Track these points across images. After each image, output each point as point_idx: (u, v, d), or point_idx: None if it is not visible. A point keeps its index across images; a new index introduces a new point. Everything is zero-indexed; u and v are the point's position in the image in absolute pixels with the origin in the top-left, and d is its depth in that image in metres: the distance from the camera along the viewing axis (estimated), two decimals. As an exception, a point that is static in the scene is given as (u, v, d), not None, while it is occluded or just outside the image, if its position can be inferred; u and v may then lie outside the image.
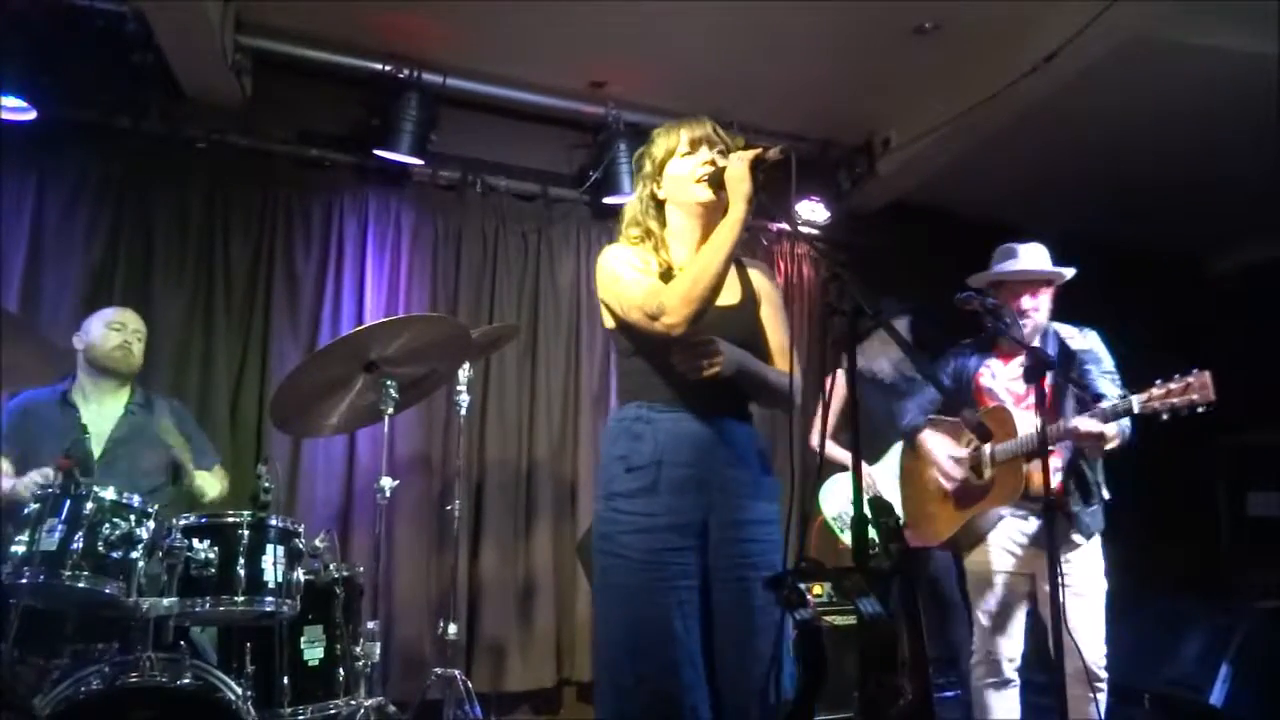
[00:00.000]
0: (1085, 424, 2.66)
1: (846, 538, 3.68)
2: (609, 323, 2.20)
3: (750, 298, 2.21)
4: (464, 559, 4.30)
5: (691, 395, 2.07)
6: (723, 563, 2.03)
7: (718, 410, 2.11)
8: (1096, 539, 2.88)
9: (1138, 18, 3.62)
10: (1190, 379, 2.48)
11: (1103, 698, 2.74)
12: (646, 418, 2.07)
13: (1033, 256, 3.03)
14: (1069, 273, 3.03)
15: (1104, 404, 2.68)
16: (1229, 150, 4.75)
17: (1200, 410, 2.46)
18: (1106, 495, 2.91)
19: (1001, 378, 3.05)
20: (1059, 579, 2.09)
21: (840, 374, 4.14)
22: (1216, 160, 4.86)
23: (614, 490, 2.06)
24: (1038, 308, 2.98)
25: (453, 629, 3.65)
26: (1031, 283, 2.99)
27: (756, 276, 2.26)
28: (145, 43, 3.88)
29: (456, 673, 3.58)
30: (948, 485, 3.03)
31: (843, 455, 4.06)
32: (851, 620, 3.11)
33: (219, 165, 4.25)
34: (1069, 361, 2.95)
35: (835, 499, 4.11)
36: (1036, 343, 2.99)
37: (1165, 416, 2.51)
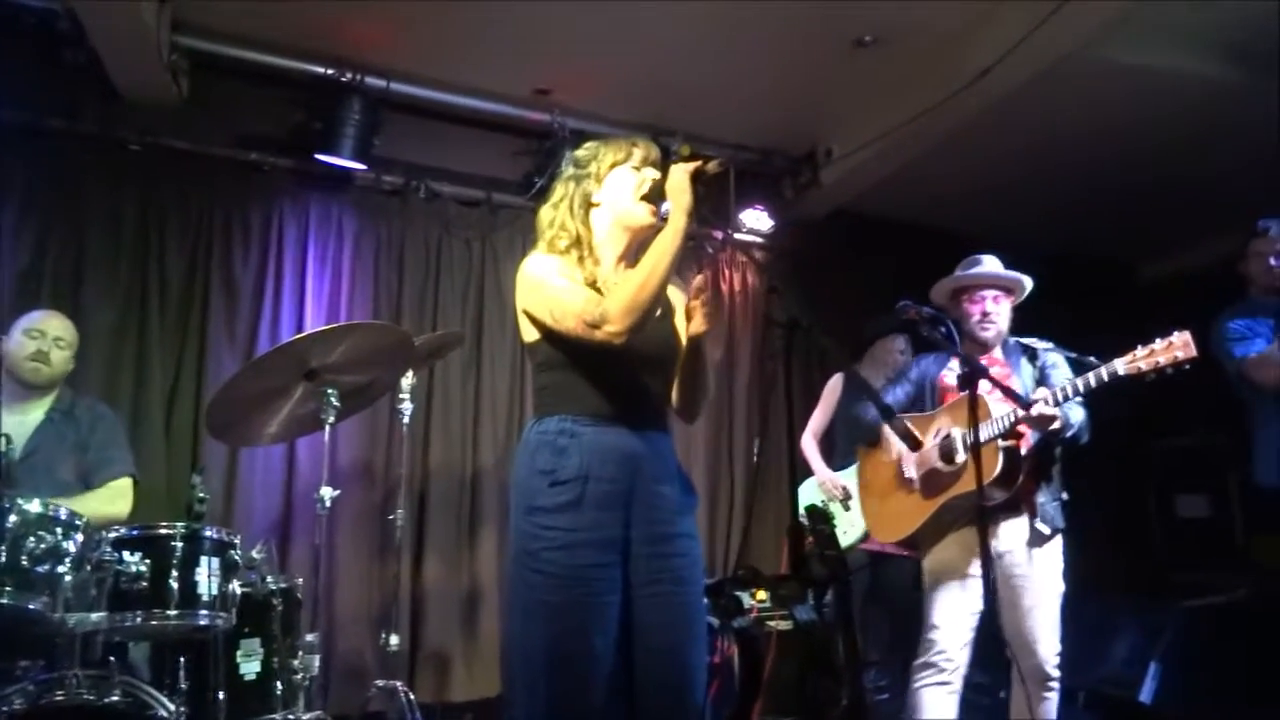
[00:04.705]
0: (1038, 407, 2.68)
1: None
2: (530, 335, 2.14)
3: (667, 309, 2.21)
4: (407, 569, 4.26)
5: (617, 408, 2.06)
6: (647, 578, 2.02)
7: (643, 423, 2.10)
8: (1058, 540, 2.92)
9: (1068, 36, 3.72)
10: (1172, 339, 2.56)
11: (1055, 697, 2.79)
12: (571, 431, 2.03)
13: (993, 264, 3.14)
14: (1027, 281, 3.12)
15: (1071, 380, 2.73)
16: (1156, 162, 4.91)
17: (1186, 367, 2.52)
18: (1065, 495, 2.96)
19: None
20: (991, 574, 2.11)
21: (838, 378, 4.24)
22: (1145, 171, 5.01)
23: (536, 505, 2.01)
24: (999, 313, 3.06)
25: (395, 640, 3.62)
26: (991, 289, 3.08)
27: (670, 289, 2.21)
28: (78, 42, 3.79)
29: (398, 684, 3.54)
30: (914, 469, 3.00)
31: (813, 456, 4.13)
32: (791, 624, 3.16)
33: (154, 168, 4.15)
34: (1033, 358, 3.04)
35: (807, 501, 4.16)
36: (999, 352, 3.08)
37: (1152, 377, 2.56)
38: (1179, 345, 2.55)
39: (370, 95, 4.24)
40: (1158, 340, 2.59)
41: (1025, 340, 3.12)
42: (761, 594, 3.67)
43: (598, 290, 2.08)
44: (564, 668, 1.92)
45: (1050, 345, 3.10)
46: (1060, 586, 2.90)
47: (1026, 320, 3.19)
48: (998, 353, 3.11)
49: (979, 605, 2.93)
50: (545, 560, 1.97)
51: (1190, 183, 5.03)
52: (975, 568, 2.91)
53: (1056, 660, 2.83)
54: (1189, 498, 6.00)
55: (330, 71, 4.21)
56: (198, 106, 4.20)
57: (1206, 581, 4.70)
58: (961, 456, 2.90)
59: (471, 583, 4.45)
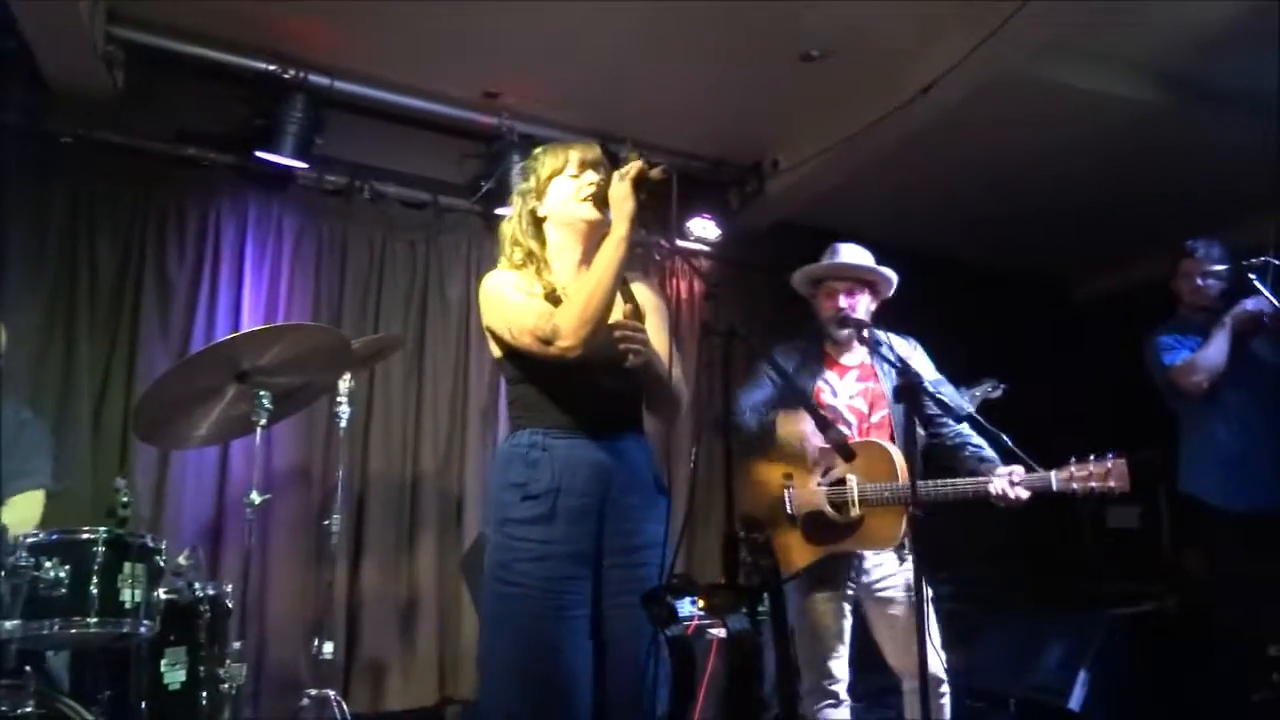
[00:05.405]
0: (1018, 491, 2.62)
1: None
2: (496, 351, 2.18)
3: (636, 312, 2.21)
4: (343, 575, 4.18)
5: (587, 419, 2.08)
6: (615, 589, 2.04)
7: (614, 432, 2.11)
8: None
9: (1005, 57, 3.81)
10: (1109, 464, 2.52)
11: (947, 701, 2.74)
12: (543, 444, 2.06)
13: (853, 254, 2.92)
14: (889, 274, 2.91)
15: (1016, 472, 2.65)
16: (1094, 180, 5.04)
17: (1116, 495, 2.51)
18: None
19: (842, 395, 2.88)
20: (924, 607, 2.14)
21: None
22: (1083, 189, 5.14)
23: (509, 517, 2.04)
24: (854, 308, 2.84)
25: (328, 648, 3.56)
26: (848, 282, 2.88)
27: (640, 289, 2.27)
28: (7, 29, 3.66)
29: (331, 693, 3.48)
30: (798, 506, 2.75)
31: None
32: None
33: (86, 162, 4.04)
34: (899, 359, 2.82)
35: None
36: (856, 346, 2.88)
37: (1079, 495, 2.55)
38: (1115, 475, 2.52)
39: (313, 93, 4.17)
40: (1093, 460, 2.55)
41: (892, 339, 2.91)
42: (704, 602, 3.68)
43: (559, 300, 2.09)
44: (537, 680, 1.94)
45: (914, 343, 2.90)
46: (928, 591, 2.72)
47: (959, 332, 3.14)
48: (862, 353, 2.88)
49: (849, 621, 2.82)
50: (518, 572, 2.00)
51: (1127, 202, 5.17)
52: (851, 592, 2.80)
53: (944, 664, 2.73)
54: (1120, 509, 6.14)
55: (272, 68, 4.12)
56: (134, 100, 4.08)
57: (1135, 591, 4.82)
58: (856, 510, 2.66)
59: (410, 590, 4.38)
